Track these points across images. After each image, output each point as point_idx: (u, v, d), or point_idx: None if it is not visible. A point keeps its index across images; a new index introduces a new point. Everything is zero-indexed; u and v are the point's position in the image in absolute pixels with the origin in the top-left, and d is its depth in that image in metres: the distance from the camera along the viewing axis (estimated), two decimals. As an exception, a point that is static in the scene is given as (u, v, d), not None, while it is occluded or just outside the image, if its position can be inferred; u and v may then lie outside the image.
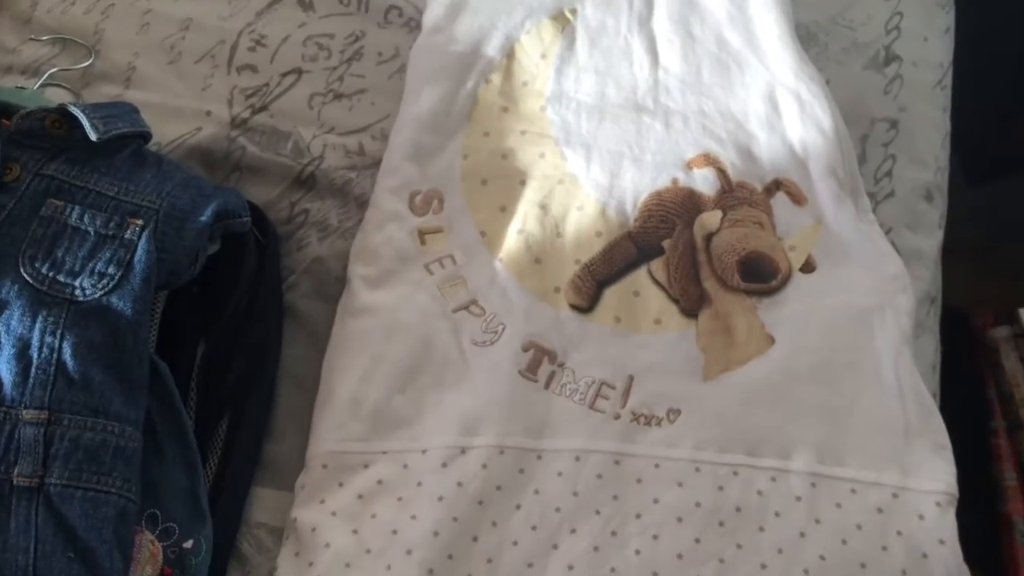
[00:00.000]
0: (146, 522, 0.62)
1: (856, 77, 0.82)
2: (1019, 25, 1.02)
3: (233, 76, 0.84)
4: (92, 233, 0.65)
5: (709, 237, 0.73)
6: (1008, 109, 1.06)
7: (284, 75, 0.84)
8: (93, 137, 0.67)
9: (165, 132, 0.79)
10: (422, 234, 0.74)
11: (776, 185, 0.75)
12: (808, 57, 0.80)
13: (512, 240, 0.73)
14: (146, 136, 0.72)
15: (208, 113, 0.81)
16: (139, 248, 0.65)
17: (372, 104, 0.82)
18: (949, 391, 0.74)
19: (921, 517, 0.62)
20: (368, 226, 0.74)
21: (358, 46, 0.85)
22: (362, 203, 0.77)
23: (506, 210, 0.75)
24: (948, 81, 0.84)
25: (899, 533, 0.61)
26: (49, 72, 0.81)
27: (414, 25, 0.86)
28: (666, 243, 0.73)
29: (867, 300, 0.70)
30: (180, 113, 0.81)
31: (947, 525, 0.62)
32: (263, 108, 0.82)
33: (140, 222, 0.66)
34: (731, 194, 0.74)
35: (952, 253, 0.80)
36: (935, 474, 0.63)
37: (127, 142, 0.71)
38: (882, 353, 0.67)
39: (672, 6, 0.83)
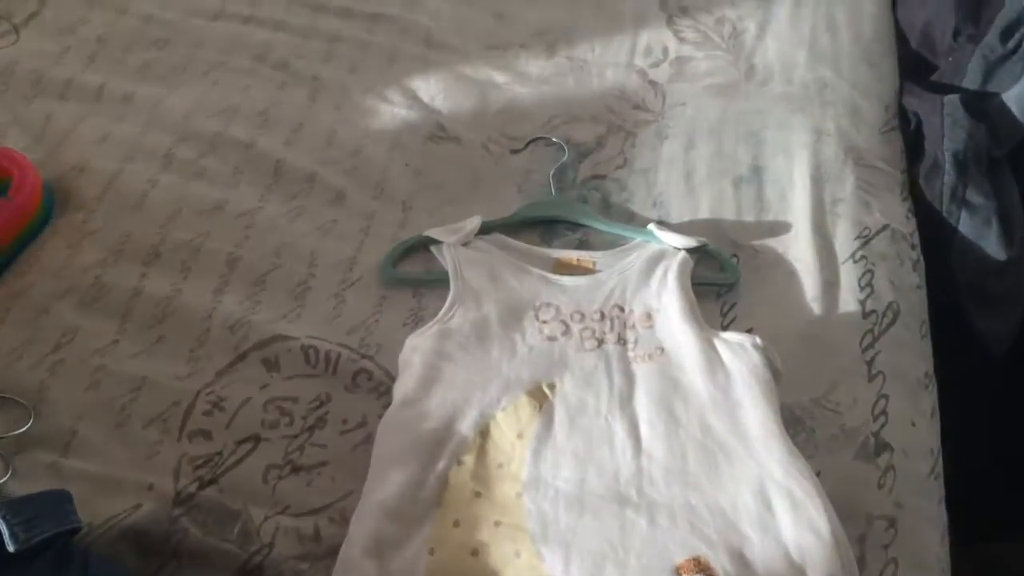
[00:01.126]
0: None
1: (847, 467, 0.78)
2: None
3: (184, 443, 0.77)
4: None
5: (703, 663, 0.65)
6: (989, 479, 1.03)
7: (239, 443, 0.78)
8: (11, 548, 0.60)
9: (99, 510, 0.71)
10: (377, 653, 0.65)
11: (774, 599, 0.68)
12: (795, 445, 0.76)
13: (482, 664, 0.64)
14: (75, 531, 0.65)
15: (150, 487, 0.74)
16: None
17: (332, 480, 0.76)
18: None
19: None
20: (317, 642, 0.65)
21: (322, 411, 0.80)
22: (311, 604, 0.69)
23: (475, 622, 0.67)
24: (940, 469, 0.81)
25: None
26: (-20, 441, 0.75)
27: (383, 391, 0.81)
28: (656, 673, 0.65)
29: None
30: (120, 486, 0.74)
31: None
32: (212, 481, 0.75)
33: (49, 655, 0.57)
34: (726, 609, 0.67)
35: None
36: None
37: (52, 541, 0.63)
38: None
39: (653, 385, 0.80)
